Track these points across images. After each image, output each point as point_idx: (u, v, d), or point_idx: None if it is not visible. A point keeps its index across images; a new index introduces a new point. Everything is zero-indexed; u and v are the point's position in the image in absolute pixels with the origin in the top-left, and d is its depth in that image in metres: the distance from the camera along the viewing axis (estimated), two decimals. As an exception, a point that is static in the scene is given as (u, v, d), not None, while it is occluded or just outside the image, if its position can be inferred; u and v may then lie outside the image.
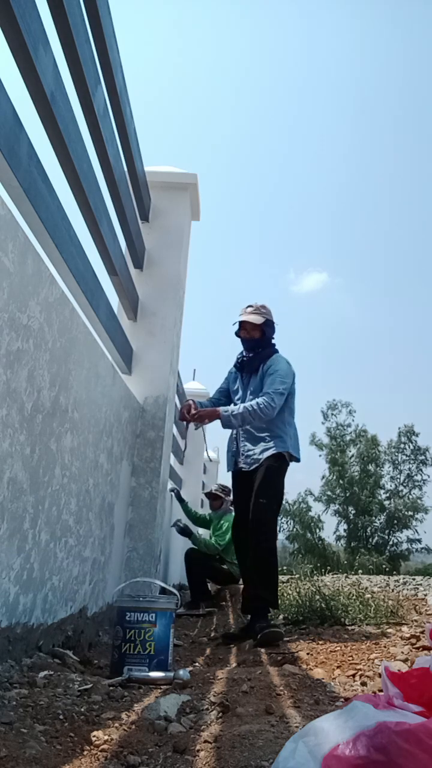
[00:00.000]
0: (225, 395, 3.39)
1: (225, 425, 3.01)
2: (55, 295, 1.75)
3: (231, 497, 5.43)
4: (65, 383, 1.87)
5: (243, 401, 3.16)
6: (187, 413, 2.99)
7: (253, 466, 3.05)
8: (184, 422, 3.06)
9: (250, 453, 3.08)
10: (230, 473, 3.30)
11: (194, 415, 2.97)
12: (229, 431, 3.27)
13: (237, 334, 3.25)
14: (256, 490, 2.95)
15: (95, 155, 2.39)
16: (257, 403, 2.96)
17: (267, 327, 3.20)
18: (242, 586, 2.97)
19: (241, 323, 3.20)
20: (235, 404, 3.22)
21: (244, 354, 3.25)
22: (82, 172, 2.12)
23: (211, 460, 10.65)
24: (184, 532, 5.02)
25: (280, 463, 3.04)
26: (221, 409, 3.00)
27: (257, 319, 3.15)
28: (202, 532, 6.21)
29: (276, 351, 3.26)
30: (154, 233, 3.53)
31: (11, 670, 1.42)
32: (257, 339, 3.19)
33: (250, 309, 3.21)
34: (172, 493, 4.95)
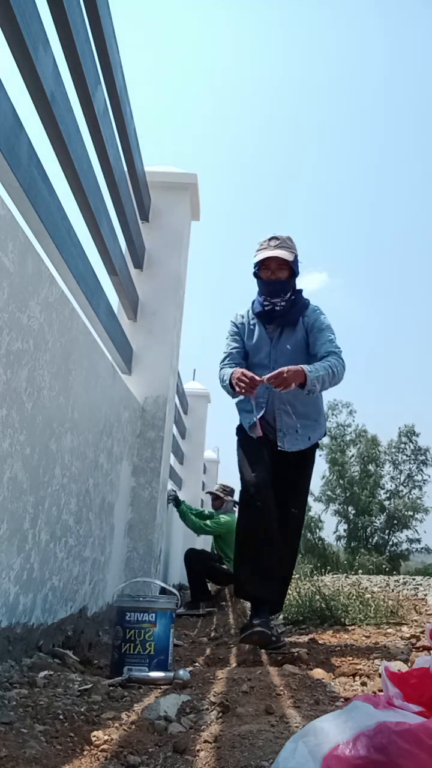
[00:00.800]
0: (245, 358, 2.70)
1: (309, 391, 2.37)
2: (55, 295, 1.75)
3: (231, 497, 5.46)
4: (65, 383, 1.87)
5: (273, 361, 2.57)
6: (246, 380, 2.34)
7: (293, 450, 2.54)
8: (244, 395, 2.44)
9: (291, 432, 2.54)
10: (244, 434, 2.66)
11: (276, 378, 2.28)
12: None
13: (257, 275, 2.61)
14: (295, 497, 2.63)
15: (95, 155, 2.39)
16: (334, 364, 2.41)
17: (296, 266, 2.58)
18: (239, 565, 2.52)
19: (264, 261, 2.54)
20: (259, 365, 2.58)
21: (270, 301, 2.59)
22: (82, 172, 2.12)
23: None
24: (175, 503, 5.02)
25: (315, 454, 2.70)
26: (306, 368, 2.32)
27: (287, 255, 2.51)
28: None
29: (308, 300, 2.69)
30: (154, 233, 3.53)
31: (11, 670, 1.42)
32: (284, 281, 2.56)
33: (275, 242, 2.54)
34: (171, 502, 4.94)
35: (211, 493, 5.58)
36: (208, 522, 5.16)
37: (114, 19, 2.37)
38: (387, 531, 26.73)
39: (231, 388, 2.49)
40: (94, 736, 1.08)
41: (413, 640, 2.48)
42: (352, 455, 27.65)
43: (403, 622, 3.20)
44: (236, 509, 5.51)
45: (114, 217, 2.75)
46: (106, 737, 1.08)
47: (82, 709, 1.22)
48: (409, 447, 28.24)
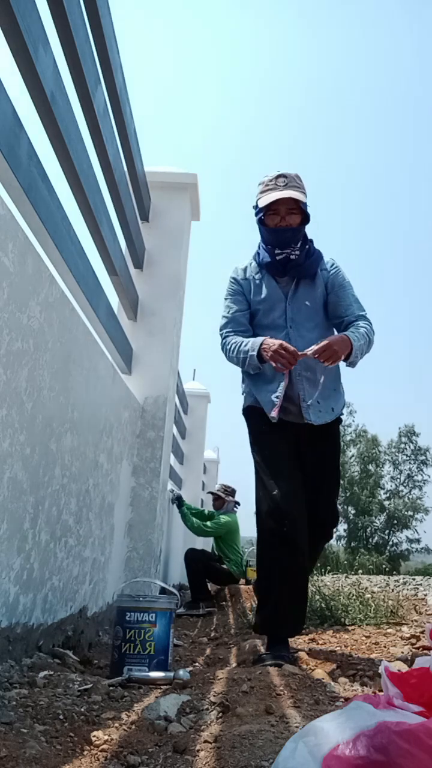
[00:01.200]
0: (250, 321, 2.29)
1: (351, 363, 2.11)
2: (55, 295, 1.75)
3: (232, 497, 5.47)
4: (65, 383, 1.87)
5: (290, 321, 2.19)
6: (287, 354, 1.99)
7: (319, 423, 2.17)
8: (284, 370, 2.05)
9: (315, 403, 2.17)
10: (259, 420, 2.24)
11: (325, 351, 1.98)
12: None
13: (261, 221, 2.20)
14: (329, 483, 2.28)
15: (95, 155, 2.39)
16: (369, 331, 2.15)
17: (307, 209, 2.20)
18: (262, 600, 2.18)
19: (272, 205, 2.14)
20: (271, 327, 2.19)
21: (283, 251, 2.19)
22: (82, 172, 2.12)
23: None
24: (178, 504, 5.01)
25: (339, 429, 2.35)
26: (350, 336, 2.05)
27: (300, 196, 2.14)
28: None
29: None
30: (154, 233, 3.53)
31: (11, 670, 1.42)
32: (296, 229, 2.18)
33: (283, 180, 2.14)
34: (174, 502, 4.93)
35: (212, 493, 5.58)
36: (208, 524, 5.17)
37: (114, 19, 2.37)
38: (387, 531, 26.74)
39: (259, 360, 2.09)
40: (94, 736, 1.08)
41: (413, 640, 2.48)
42: (352, 455, 27.65)
43: (403, 622, 3.19)
44: (237, 509, 5.53)
45: (114, 217, 2.75)
46: (106, 737, 1.08)
47: (82, 709, 1.22)
48: (409, 447, 28.25)
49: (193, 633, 3.35)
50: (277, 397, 2.13)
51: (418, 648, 2.32)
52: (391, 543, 26.89)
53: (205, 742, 1.08)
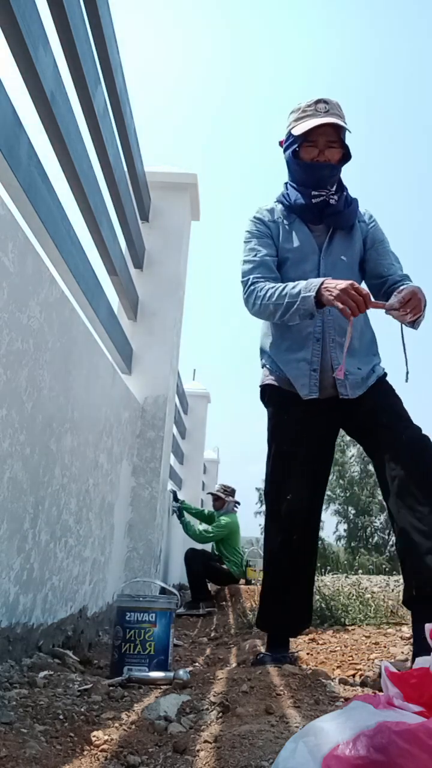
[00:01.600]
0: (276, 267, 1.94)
1: (417, 323, 1.76)
2: (55, 295, 1.75)
3: (232, 497, 5.47)
4: (65, 383, 1.87)
5: (319, 276, 1.81)
6: (359, 298, 1.63)
7: (357, 392, 1.86)
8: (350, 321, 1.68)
9: (351, 371, 1.86)
10: (282, 403, 1.93)
11: (411, 302, 1.64)
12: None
13: (295, 155, 1.88)
14: (394, 410, 1.86)
15: (95, 155, 2.39)
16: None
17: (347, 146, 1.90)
18: (266, 595, 1.98)
19: (309, 134, 1.83)
20: (294, 281, 1.80)
21: (320, 194, 1.89)
22: (82, 172, 2.12)
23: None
24: (179, 514, 5.02)
25: (389, 384, 1.97)
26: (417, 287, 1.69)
27: (344, 125, 1.85)
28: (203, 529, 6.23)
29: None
30: (154, 233, 3.53)
31: (11, 670, 1.42)
32: (335, 167, 1.88)
33: (323, 105, 1.83)
34: (174, 512, 4.94)
35: (212, 493, 5.59)
36: (209, 529, 5.17)
37: (114, 19, 2.37)
38: (387, 531, 26.72)
39: (316, 304, 1.69)
40: (94, 736, 1.08)
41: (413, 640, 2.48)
42: (352, 455, 27.64)
43: (403, 622, 3.19)
44: (237, 509, 5.53)
45: (114, 217, 2.75)
46: (106, 737, 1.08)
47: (82, 709, 1.22)
48: (409, 447, 28.22)
49: (193, 633, 3.35)
50: (314, 370, 1.83)
51: (418, 648, 2.31)
52: (391, 543, 26.87)
53: (205, 742, 1.08)
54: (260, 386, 2.05)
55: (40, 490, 1.68)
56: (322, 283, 1.70)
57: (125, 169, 2.91)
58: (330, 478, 2.19)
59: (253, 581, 5.44)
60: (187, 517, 5.20)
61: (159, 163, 3.72)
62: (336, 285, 1.66)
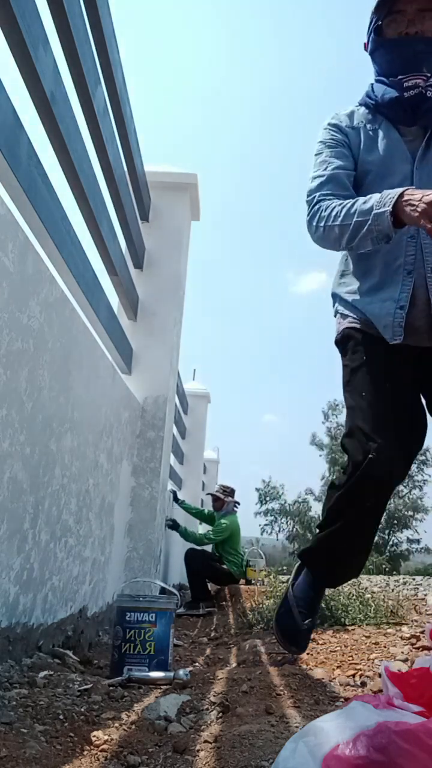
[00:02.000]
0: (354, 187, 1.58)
1: None
2: (55, 295, 1.75)
3: (232, 498, 5.46)
4: (65, 383, 1.87)
5: (414, 183, 1.50)
6: None
7: None
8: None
9: None
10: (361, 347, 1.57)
11: None
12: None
13: (378, 33, 1.53)
14: None
15: (95, 155, 2.39)
16: None
17: None
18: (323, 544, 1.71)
19: (396, 4, 1.48)
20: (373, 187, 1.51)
21: (413, 81, 1.49)
22: (82, 172, 2.12)
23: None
24: (173, 526, 4.99)
25: None
26: None
27: None
28: (203, 529, 6.22)
29: None
30: (154, 233, 3.53)
31: (11, 670, 1.42)
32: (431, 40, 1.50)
33: None
34: (168, 525, 4.92)
35: (211, 494, 5.58)
36: (209, 532, 5.18)
37: (114, 19, 2.37)
38: (387, 531, 26.72)
39: (394, 223, 1.35)
40: (94, 736, 1.08)
41: (413, 640, 2.48)
42: (352, 455, 27.63)
43: (403, 622, 3.19)
44: (237, 509, 5.53)
45: (114, 217, 2.76)
46: (106, 737, 1.08)
47: (82, 709, 1.22)
48: (409, 447, 28.21)
49: (193, 633, 3.35)
50: (401, 307, 1.47)
51: (418, 648, 2.32)
52: (391, 543, 26.88)
53: (205, 742, 1.08)
54: (336, 338, 1.67)
55: (40, 490, 1.68)
56: (401, 195, 1.34)
57: (125, 169, 2.91)
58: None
59: (253, 581, 5.44)
60: (183, 523, 5.17)
61: (159, 163, 3.72)
62: (422, 197, 1.29)
